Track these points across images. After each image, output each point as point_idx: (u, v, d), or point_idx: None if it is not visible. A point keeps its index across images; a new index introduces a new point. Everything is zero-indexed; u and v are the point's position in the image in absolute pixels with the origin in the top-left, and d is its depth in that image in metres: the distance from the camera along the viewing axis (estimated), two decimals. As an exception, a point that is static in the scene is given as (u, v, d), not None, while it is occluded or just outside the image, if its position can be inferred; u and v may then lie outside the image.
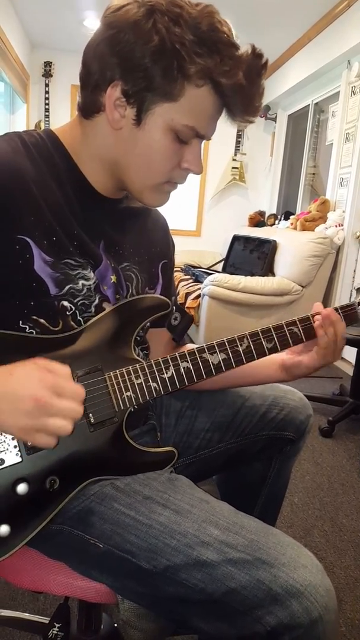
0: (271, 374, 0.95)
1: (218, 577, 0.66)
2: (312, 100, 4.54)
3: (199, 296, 3.60)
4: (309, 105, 4.62)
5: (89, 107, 0.74)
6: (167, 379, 0.78)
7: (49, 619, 0.92)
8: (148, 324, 0.89)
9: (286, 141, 5.27)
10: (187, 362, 0.79)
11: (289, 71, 4.62)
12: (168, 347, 0.97)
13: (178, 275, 4.34)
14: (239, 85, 0.69)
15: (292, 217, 4.33)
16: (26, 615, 1.25)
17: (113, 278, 0.81)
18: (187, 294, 3.78)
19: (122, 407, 0.75)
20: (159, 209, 0.97)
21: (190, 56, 0.67)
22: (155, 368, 0.77)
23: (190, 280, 4.13)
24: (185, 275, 4.36)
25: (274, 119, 5.24)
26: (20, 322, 0.73)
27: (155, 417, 0.99)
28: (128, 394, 0.75)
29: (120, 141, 0.74)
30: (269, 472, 1.05)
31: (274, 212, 5.21)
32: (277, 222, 4.88)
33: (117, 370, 0.75)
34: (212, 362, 0.80)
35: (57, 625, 0.89)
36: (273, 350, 0.84)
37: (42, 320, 0.73)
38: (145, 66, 0.67)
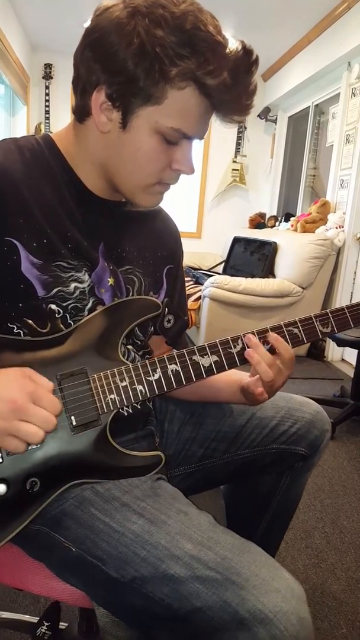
0: (232, 394, 0.90)
1: (184, 594, 0.63)
2: (312, 102, 4.55)
3: (199, 298, 3.60)
4: (309, 107, 4.62)
5: (80, 111, 0.74)
6: (153, 381, 0.75)
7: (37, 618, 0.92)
8: (151, 328, 0.88)
9: (286, 143, 5.28)
10: (176, 364, 0.76)
11: (289, 73, 4.63)
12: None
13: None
14: (224, 84, 0.67)
15: (292, 218, 4.34)
16: (23, 617, 1.25)
17: (110, 281, 0.80)
18: (188, 296, 3.79)
19: (106, 410, 0.73)
20: (170, 214, 0.97)
21: (171, 59, 0.65)
22: (141, 370, 0.75)
23: (191, 282, 4.14)
24: (186, 277, 4.36)
25: (274, 121, 5.25)
26: (9, 322, 0.73)
27: (158, 423, 0.98)
28: (112, 396, 0.73)
29: (109, 144, 0.74)
30: (279, 488, 1.00)
31: (275, 213, 5.21)
32: (277, 223, 4.89)
33: (102, 372, 0.74)
34: (202, 365, 0.77)
35: (46, 624, 0.89)
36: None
37: (30, 322, 0.73)
38: (128, 70, 0.66)
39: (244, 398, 0.88)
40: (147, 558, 0.66)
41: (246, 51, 0.68)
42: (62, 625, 1.05)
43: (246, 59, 0.68)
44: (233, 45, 0.68)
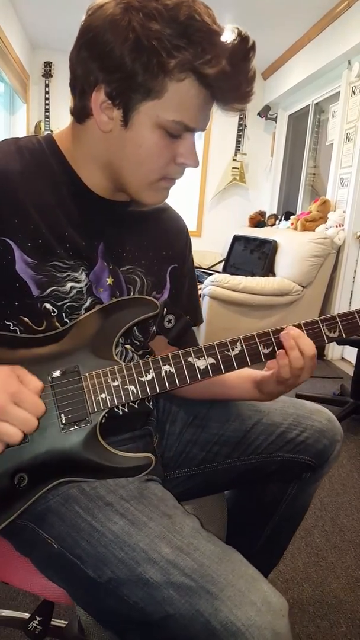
0: (246, 391, 0.89)
1: (158, 599, 0.62)
2: (312, 100, 4.54)
3: (199, 296, 3.60)
4: (309, 105, 4.62)
5: (80, 112, 0.74)
6: (146, 382, 0.74)
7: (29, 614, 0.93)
8: (153, 329, 0.87)
9: (287, 141, 5.27)
10: (170, 365, 0.75)
11: (289, 71, 4.63)
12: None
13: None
14: (223, 72, 0.66)
15: (292, 217, 4.33)
16: (22, 615, 1.25)
17: (109, 280, 0.80)
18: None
19: (96, 409, 0.73)
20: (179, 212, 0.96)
21: (168, 51, 0.64)
22: (134, 370, 0.74)
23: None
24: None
25: (275, 119, 5.24)
26: (5, 320, 0.74)
27: (159, 423, 0.96)
28: (103, 395, 0.73)
29: (112, 143, 0.73)
30: (284, 497, 0.97)
31: (275, 212, 5.21)
32: (277, 222, 4.89)
33: (94, 371, 0.73)
34: (198, 367, 0.76)
35: (38, 618, 0.89)
36: (270, 356, 0.78)
37: (26, 320, 0.74)
38: (125, 66, 0.66)
39: (259, 393, 0.87)
40: (124, 560, 0.65)
41: (242, 38, 0.67)
42: (62, 623, 1.05)
43: (243, 46, 0.68)
44: (229, 33, 0.67)
